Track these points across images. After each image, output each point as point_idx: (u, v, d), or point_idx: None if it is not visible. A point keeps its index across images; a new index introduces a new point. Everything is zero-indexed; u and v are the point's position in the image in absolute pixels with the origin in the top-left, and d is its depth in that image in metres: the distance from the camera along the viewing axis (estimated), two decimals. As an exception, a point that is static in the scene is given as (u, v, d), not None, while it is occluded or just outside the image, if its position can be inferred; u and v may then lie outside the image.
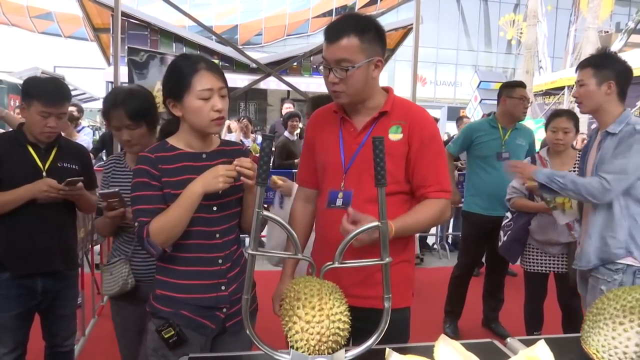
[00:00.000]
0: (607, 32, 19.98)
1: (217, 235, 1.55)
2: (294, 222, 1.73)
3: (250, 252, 1.16)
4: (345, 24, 1.48)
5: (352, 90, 1.51)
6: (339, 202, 1.57)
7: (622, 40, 17.13)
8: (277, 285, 1.72)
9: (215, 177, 1.44)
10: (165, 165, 1.52)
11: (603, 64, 2.21)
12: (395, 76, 22.39)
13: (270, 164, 1.14)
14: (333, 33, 1.48)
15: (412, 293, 1.70)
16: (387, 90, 1.64)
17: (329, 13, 23.22)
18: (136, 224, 1.48)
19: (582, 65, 2.27)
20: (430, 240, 6.23)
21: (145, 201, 1.49)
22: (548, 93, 15.94)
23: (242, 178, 1.49)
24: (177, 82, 1.51)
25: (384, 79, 18.59)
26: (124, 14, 10.16)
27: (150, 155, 1.53)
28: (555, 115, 3.07)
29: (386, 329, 1.30)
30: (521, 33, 20.02)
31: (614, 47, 15.45)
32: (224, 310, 1.57)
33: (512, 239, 3.09)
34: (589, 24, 14.89)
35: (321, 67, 1.56)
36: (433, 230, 6.14)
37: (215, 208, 1.55)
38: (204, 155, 1.59)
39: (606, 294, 1.31)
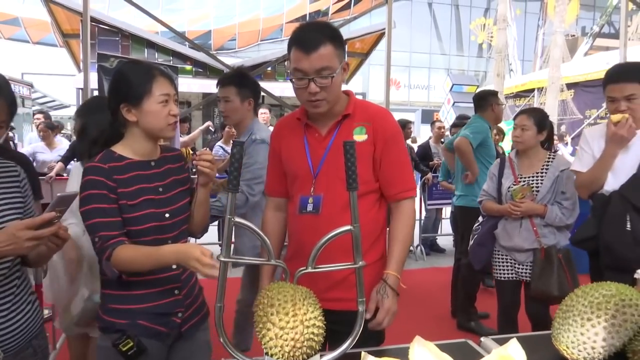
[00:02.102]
0: (574, 35, 20.55)
1: (170, 241, 1.53)
2: (266, 232, 1.71)
3: (223, 259, 1.14)
4: (319, 33, 1.48)
5: (332, 96, 1.53)
6: (309, 207, 1.58)
7: (588, 44, 17.65)
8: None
9: (189, 260, 1.32)
10: (118, 176, 1.48)
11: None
12: (369, 80, 22.56)
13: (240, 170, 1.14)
14: (309, 43, 1.47)
15: None
16: (348, 93, 1.66)
17: (303, 18, 23.26)
18: (96, 238, 1.42)
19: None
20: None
21: (104, 214, 1.42)
22: (518, 95, 16.27)
23: (199, 168, 1.54)
24: (136, 87, 1.49)
25: (358, 83, 18.73)
26: (93, 20, 9.99)
27: (103, 166, 1.47)
28: (517, 113, 3.12)
29: (362, 333, 1.31)
30: (492, 37, 20.43)
31: (581, 51, 15.93)
32: (180, 314, 1.56)
33: (477, 242, 3.05)
34: (556, 27, 15.26)
35: (293, 80, 1.54)
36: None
37: (167, 215, 1.54)
38: (152, 163, 1.57)
39: (575, 291, 1.34)
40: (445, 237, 6.68)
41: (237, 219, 1.15)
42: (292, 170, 1.66)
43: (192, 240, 2.07)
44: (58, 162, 5.93)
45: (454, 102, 13.52)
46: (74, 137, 7.00)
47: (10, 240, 1.22)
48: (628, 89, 2.17)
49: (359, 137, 1.57)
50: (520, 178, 2.83)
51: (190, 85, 11.07)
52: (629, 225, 2.16)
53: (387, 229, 1.69)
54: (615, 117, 2.18)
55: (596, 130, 2.39)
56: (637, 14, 12.24)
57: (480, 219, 3.14)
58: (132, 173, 1.50)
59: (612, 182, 2.23)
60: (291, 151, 1.66)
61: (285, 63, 12.72)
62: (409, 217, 1.62)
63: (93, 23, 10.46)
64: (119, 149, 1.54)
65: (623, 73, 2.22)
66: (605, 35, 18.43)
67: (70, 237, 1.35)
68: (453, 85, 14.19)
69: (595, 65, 12.30)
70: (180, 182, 1.61)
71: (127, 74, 1.52)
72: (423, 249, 6.03)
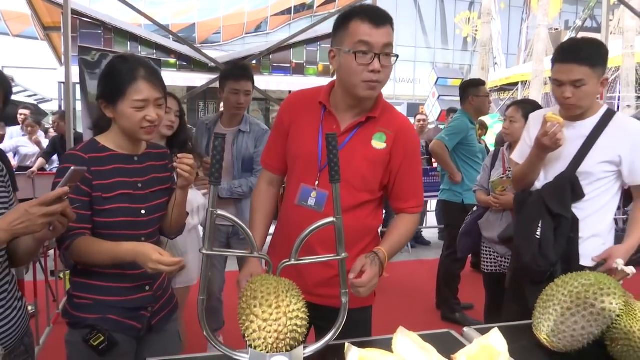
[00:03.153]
0: (557, 29, 20.74)
1: (143, 239, 1.51)
2: (258, 204, 1.66)
3: (205, 252, 1.14)
4: (385, 13, 1.45)
5: (386, 82, 1.47)
6: (311, 201, 1.51)
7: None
8: (243, 268, 1.58)
9: (147, 262, 1.35)
10: (97, 167, 1.47)
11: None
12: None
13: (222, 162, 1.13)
14: (382, 16, 1.42)
15: (375, 291, 1.68)
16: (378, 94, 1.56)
17: (288, 11, 23.13)
18: None
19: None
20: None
21: (72, 205, 1.38)
22: (503, 89, 16.42)
23: (179, 172, 1.50)
24: (112, 87, 1.46)
25: (344, 77, 18.65)
26: (75, 12, 9.82)
27: (83, 155, 1.46)
28: (510, 104, 3.13)
29: (349, 328, 1.31)
30: (476, 30, 20.55)
31: (564, 44, 16.04)
32: (149, 309, 1.56)
33: (463, 232, 3.12)
34: (540, 21, 15.41)
35: (352, 52, 1.41)
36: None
37: (143, 211, 1.53)
38: (135, 158, 1.56)
39: (555, 281, 1.36)
40: (430, 229, 6.73)
41: (220, 211, 1.14)
42: (296, 153, 1.56)
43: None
44: (39, 157, 5.86)
45: (439, 96, 13.57)
46: (52, 132, 6.91)
47: (24, 218, 1.17)
48: (576, 72, 1.80)
49: (378, 144, 1.51)
50: (509, 170, 2.84)
51: (175, 78, 10.93)
52: (538, 232, 1.93)
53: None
54: (549, 117, 1.85)
55: (539, 116, 2.06)
56: (618, 8, 12.40)
57: (475, 209, 3.19)
58: (113, 165, 1.49)
59: (543, 181, 2.01)
60: (302, 133, 1.55)
61: (270, 56, 12.65)
62: (414, 224, 1.61)
63: (74, 16, 10.26)
64: (104, 139, 1.53)
65: (574, 52, 1.83)
66: (588, 29, 18.61)
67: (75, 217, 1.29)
68: (438, 78, 14.22)
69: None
70: (160, 181, 1.59)
71: (111, 70, 1.49)
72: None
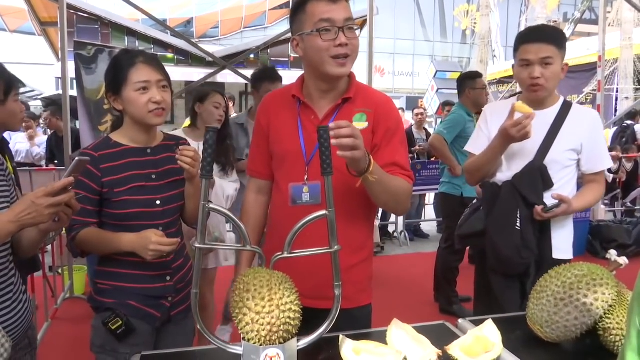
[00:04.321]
0: (556, 21, 20.65)
1: (161, 228, 1.55)
2: (247, 217, 1.64)
3: (198, 245, 1.14)
4: None
5: (355, 55, 1.45)
6: (305, 197, 1.47)
7: (570, 30, 17.77)
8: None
9: (145, 248, 1.44)
10: (108, 164, 1.53)
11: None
12: (354, 67, 22.51)
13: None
14: None
15: (371, 288, 1.64)
16: (349, 74, 1.54)
17: (286, 5, 23.01)
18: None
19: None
20: (391, 228, 6.32)
21: (79, 201, 1.45)
22: (502, 81, 16.38)
23: (180, 164, 1.51)
24: (115, 75, 1.52)
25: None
26: (71, 7, 9.77)
27: (94, 153, 1.54)
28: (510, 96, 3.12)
29: (349, 325, 1.32)
30: (475, 23, 20.47)
31: (563, 36, 16.00)
32: (170, 299, 1.60)
33: (461, 223, 3.12)
34: (538, 14, 15.37)
35: (315, 31, 1.40)
36: (393, 218, 6.23)
37: (158, 202, 1.57)
38: (148, 150, 1.60)
39: (549, 272, 1.37)
40: (428, 222, 6.74)
41: (212, 205, 1.14)
42: (280, 153, 1.53)
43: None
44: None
45: (438, 89, 13.55)
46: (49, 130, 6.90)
47: (31, 209, 1.18)
48: (544, 50, 1.84)
49: (359, 124, 1.47)
50: None
51: (172, 73, 10.75)
52: (518, 223, 1.89)
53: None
54: (519, 106, 1.81)
55: (498, 107, 2.03)
56: (616, 0, 12.35)
57: (475, 201, 3.18)
58: (125, 160, 1.55)
59: (507, 172, 1.96)
60: (281, 131, 1.53)
61: (269, 50, 12.60)
62: (403, 182, 1.47)
63: (71, 11, 10.23)
64: (117, 136, 1.60)
65: (540, 32, 1.92)
66: (587, 21, 18.58)
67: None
68: (437, 71, 14.20)
69: (576, 51, 12.41)
70: (176, 172, 1.60)
71: (112, 64, 1.56)
72: (407, 234, 6.07)
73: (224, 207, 2.74)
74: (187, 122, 5.98)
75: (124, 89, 1.51)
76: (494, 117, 1.99)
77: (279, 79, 3.21)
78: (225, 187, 2.77)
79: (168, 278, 1.59)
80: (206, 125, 2.76)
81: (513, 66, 2.00)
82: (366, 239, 1.60)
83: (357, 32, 1.44)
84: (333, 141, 1.19)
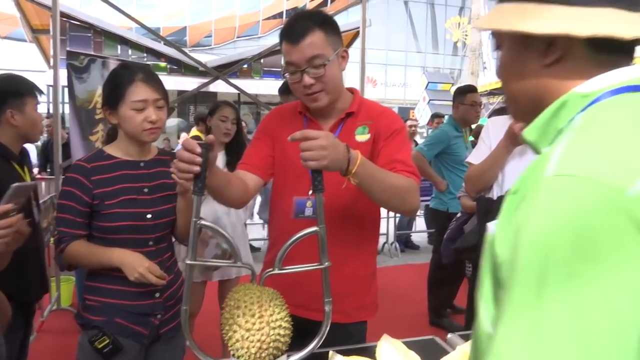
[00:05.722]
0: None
1: (151, 243, 1.56)
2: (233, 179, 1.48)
3: (189, 262, 1.14)
4: (305, 21, 1.41)
5: (331, 87, 1.44)
6: (308, 211, 1.48)
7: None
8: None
9: (134, 268, 1.44)
10: (100, 176, 1.53)
11: None
12: (346, 77, 22.61)
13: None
14: (296, 33, 1.39)
15: (377, 305, 1.63)
16: (352, 91, 1.59)
17: (280, 15, 23.14)
18: (57, 232, 1.52)
19: None
20: (382, 239, 6.33)
21: (71, 212, 1.50)
22: (492, 93, 16.53)
23: (174, 177, 1.40)
24: (113, 91, 1.53)
25: (335, 81, 18.76)
26: (64, 15, 9.75)
27: (86, 165, 1.54)
28: (496, 110, 3.15)
29: (344, 341, 1.32)
30: (466, 35, 20.71)
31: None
32: (159, 316, 1.58)
33: (448, 237, 3.12)
34: (529, 27, 15.57)
35: (286, 75, 1.46)
36: (383, 229, 6.24)
37: (149, 216, 1.56)
38: (142, 164, 1.61)
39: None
40: (419, 233, 6.76)
41: (203, 222, 1.15)
42: (284, 165, 1.54)
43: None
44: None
45: (430, 100, 13.64)
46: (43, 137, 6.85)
47: None
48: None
49: (362, 137, 1.50)
50: None
51: (165, 82, 10.79)
52: None
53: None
54: None
55: (499, 121, 2.05)
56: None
57: (460, 214, 3.21)
58: (118, 172, 1.55)
59: (502, 186, 1.96)
60: (287, 144, 1.45)
61: (262, 60, 12.65)
62: (405, 179, 1.40)
63: (64, 18, 10.19)
64: (110, 148, 1.60)
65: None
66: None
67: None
68: (428, 83, 14.30)
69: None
70: (169, 186, 1.60)
71: (110, 78, 1.57)
72: (398, 245, 6.09)
73: (242, 218, 2.82)
74: (194, 131, 6.01)
75: (121, 105, 1.52)
76: (496, 129, 2.01)
77: None
78: None
79: (157, 294, 1.58)
80: (216, 137, 2.79)
81: None
82: (371, 255, 1.61)
83: (325, 66, 1.39)
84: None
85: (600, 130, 0.59)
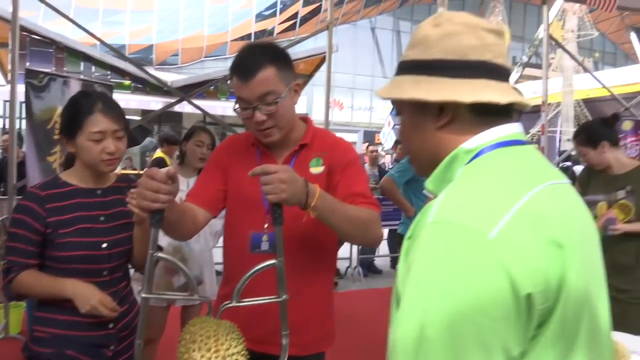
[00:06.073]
0: (505, 65, 21.78)
1: (105, 273, 1.52)
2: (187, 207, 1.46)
3: (144, 295, 1.12)
4: (257, 56, 1.38)
5: (283, 122, 1.41)
6: (264, 246, 1.45)
7: (518, 73, 18.83)
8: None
9: (86, 300, 1.41)
10: (54, 204, 1.49)
11: None
12: (313, 100, 22.85)
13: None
14: (247, 68, 1.36)
15: (334, 335, 1.61)
16: (305, 120, 1.56)
17: (248, 37, 23.28)
18: (5, 261, 1.48)
19: None
20: (345, 264, 6.33)
21: (22, 241, 1.46)
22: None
23: (130, 207, 1.43)
24: (71, 120, 1.50)
25: (302, 104, 18.96)
26: (24, 29, 9.53)
27: (40, 192, 1.50)
28: None
29: None
30: (430, 63, 21.26)
31: (512, 79, 16.91)
32: (112, 347, 1.53)
33: None
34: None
35: (237, 110, 1.42)
36: (346, 253, 6.25)
37: (104, 245, 1.52)
38: (99, 191, 1.58)
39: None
40: (382, 258, 6.81)
41: (160, 254, 1.13)
42: (238, 198, 1.50)
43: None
44: None
45: (394, 125, 13.92)
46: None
47: None
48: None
49: (316, 169, 1.47)
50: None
51: (129, 101, 10.74)
52: None
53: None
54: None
55: None
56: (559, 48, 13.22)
57: None
58: (73, 200, 1.51)
59: None
60: (242, 177, 1.46)
61: (228, 82, 12.66)
62: (365, 212, 1.40)
63: (24, 33, 9.95)
64: (67, 175, 1.57)
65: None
66: (533, 65, 19.68)
67: None
68: (393, 108, 14.60)
69: (524, 92, 13.09)
70: (127, 214, 1.54)
71: (69, 106, 1.54)
72: (361, 270, 6.11)
73: (211, 245, 2.75)
74: (158, 152, 5.90)
75: (79, 135, 1.49)
76: None
77: None
78: (213, 223, 2.68)
79: (111, 325, 1.53)
80: (191, 162, 2.78)
81: None
82: (328, 285, 1.61)
83: (277, 103, 1.37)
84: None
85: (472, 183, 0.73)
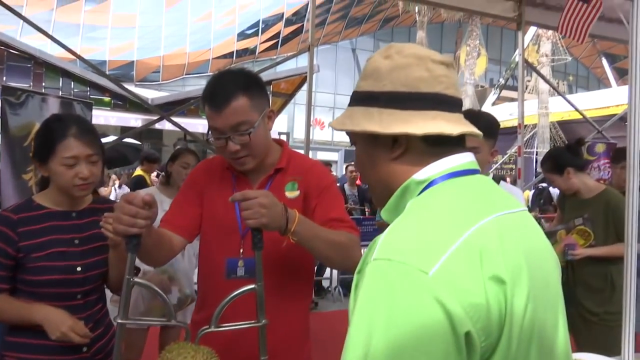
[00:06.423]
0: (483, 86, 22.31)
1: (79, 297, 1.49)
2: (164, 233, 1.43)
3: (120, 321, 1.10)
4: (229, 85, 1.35)
5: (257, 151, 1.40)
6: (240, 271, 1.43)
7: (495, 95, 19.29)
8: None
9: (56, 327, 1.38)
10: (27, 227, 1.46)
11: None
12: (294, 119, 22.97)
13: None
14: (219, 98, 1.34)
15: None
16: (281, 143, 1.55)
17: (230, 55, 23.40)
18: None
19: None
20: (325, 283, 6.31)
21: None
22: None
23: (104, 231, 1.41)
24: (43, 145, 1.48)
25: (283, 122, 19.01)
26: (2, 43, 9.43)
27: (12, 216, 1.47)
28: None
29: None
30: (410, 84, 21.64)
31: (489, 100, 17.32)
32: None
33: None
34: (467, 79, 16.56)
35: (210, 139, 1.39)
36: (327, 273, 6.23)
37: (79, 269, 1.49)
38: (73, 214, 1.55)
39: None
40: (363, 277, 6.78)
41: (136, 279, 1.12)
42: (213, 224, 1.48)
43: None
44: None
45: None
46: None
47: None
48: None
49: (291, 193, 1.46)
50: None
51: (108, 118, 10.65)
52: None
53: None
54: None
55: None
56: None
57: None
58: (46, 224, 1.48)
59: None
60: (217, 202, 1.46)
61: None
62: (345, 236, 1.39)
63: (2, 47, 9.85)
64: (40, 198, 1.54)
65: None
66: (510, 87, 20.15)
67: None
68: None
69: (501, 114, 13.42)
70: (102, 237, 1.49)
71: (42, 131, 1.51)
72: (341, 290, 6.08)
73: (194, 264, 2.71)
74: (138, 171, 5.81)
75: (51, 160, 1.45)
76: None
77: None
78: (195, 243, 2.62)
79: (85, 349, 1.49)
80: (177, 183, 2.77)
81: None
82: (305, 310, 1.58)
83: (251, 133, 1.36)
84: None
85: (417, 217, 0.73)
